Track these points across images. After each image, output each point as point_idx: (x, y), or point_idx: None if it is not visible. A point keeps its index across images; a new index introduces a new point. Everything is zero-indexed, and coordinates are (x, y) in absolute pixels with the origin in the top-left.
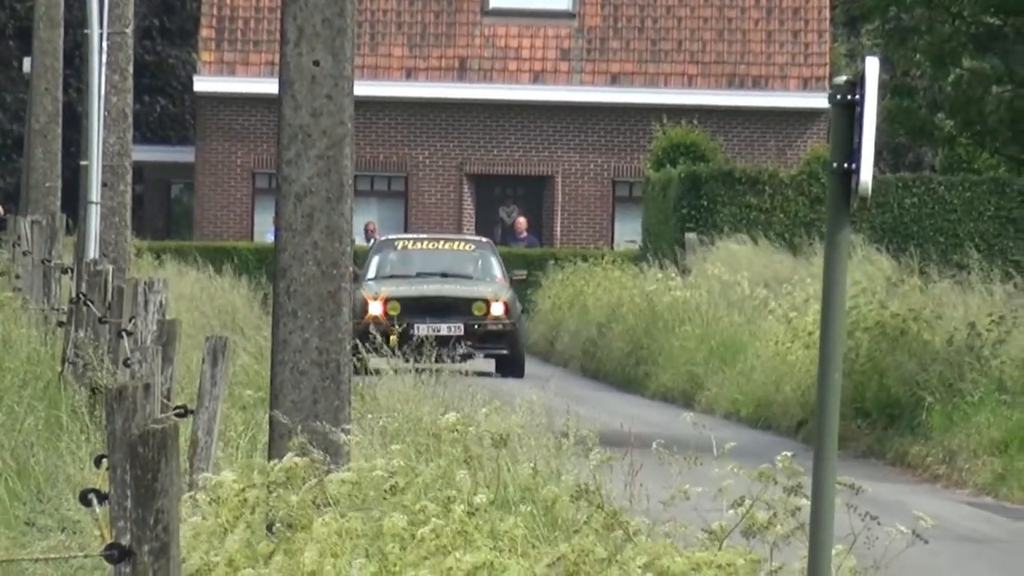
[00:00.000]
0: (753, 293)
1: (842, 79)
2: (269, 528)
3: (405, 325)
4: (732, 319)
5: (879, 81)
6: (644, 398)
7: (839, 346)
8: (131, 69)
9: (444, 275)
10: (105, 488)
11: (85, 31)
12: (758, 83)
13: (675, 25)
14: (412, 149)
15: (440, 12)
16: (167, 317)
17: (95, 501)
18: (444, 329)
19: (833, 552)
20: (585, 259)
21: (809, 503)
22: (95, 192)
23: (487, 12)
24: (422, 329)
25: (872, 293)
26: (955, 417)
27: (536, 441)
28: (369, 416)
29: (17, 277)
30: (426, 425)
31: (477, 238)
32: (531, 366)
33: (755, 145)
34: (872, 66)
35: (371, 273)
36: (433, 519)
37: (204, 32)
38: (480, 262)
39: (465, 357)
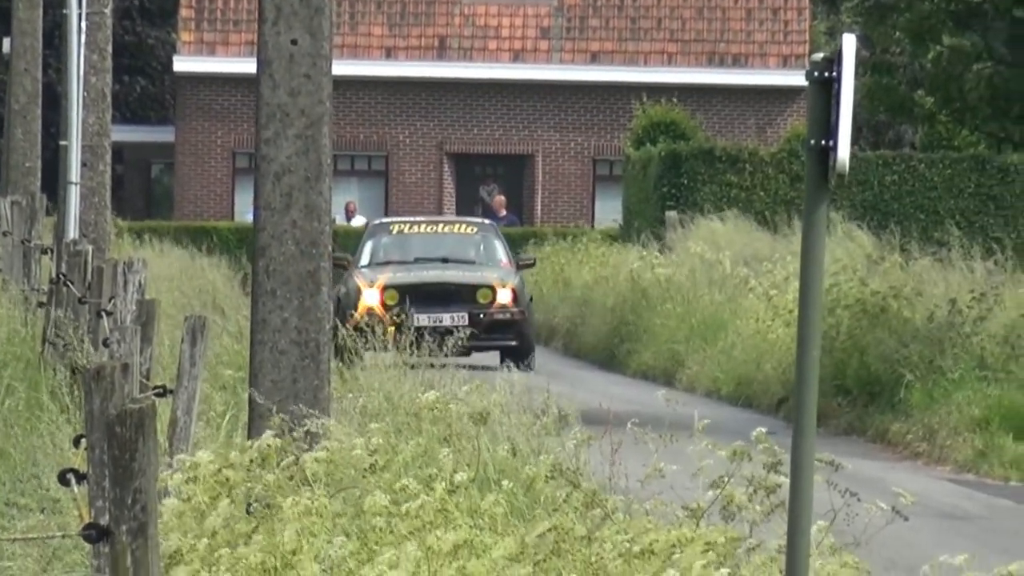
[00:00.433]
0: (734, 271)
1: (819, 56)
2: (247, 508)
3: (404, 315)
4: (713, 297)
5: (859, 59)
6: (625, 376)
7: (817, 324)
8: (110, 49)
9: (445, 260)
10: (84, 468)
11: (64, 11)
12: (738, 61)
13: (654, 3)
14: (392, 128)
15: None
16: (146, 297)
17: (74, 481)
18: (447, 319)
19: (812, 529)
20: (566, 238)
21: (788, 480)
22: (75, 172)
23: None
24: (422, 319)
25: (852, 270)
26: (936, 394)
27: (516, 420)
28: (349, 395)
29: None
30: (406, 404)
31: (480, 220)
32: None
33: (735, 123)
34: (849, 43)
35: (364, 259)
36: (415, 498)
37: (183, 12)
38: (483, 246)
39: (469, 351)
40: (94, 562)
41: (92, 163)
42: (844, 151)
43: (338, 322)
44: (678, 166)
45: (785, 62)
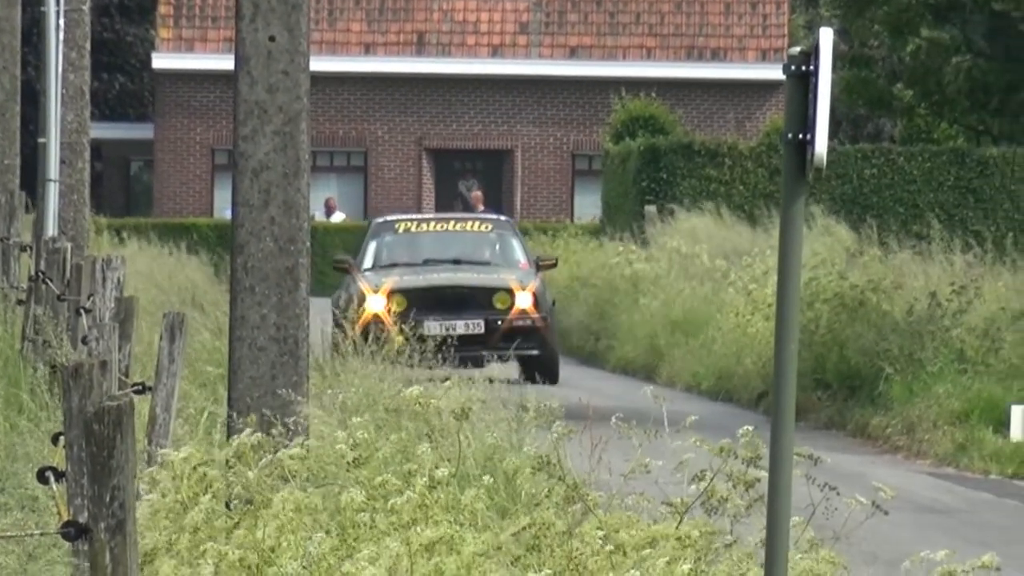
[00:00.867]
0: (713, 265)
1: (796, 50)
2: (227, 504)
3: (413, 323)
4: (692, 291)
5: (837, 52)
6: (605, 371)
7: (795, 318)
8: (88, 46)
9: (457, 262)
10: (63, 466)
11: (42, 8)
12: (717, 55)
13: None
14: (371, 124)
15: None
16: (125, 294)
17: (52, 479)
18: (460, 327)
19: (792, 524)
20: (545, 232)
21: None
22: (53, 170)
23: None
24: (433, 327)
25: (832, 264)
26: (915, 388)
27: (497, 415)
28: (329, 391)
29: None
30: (386, 400)
31: (495, 216)
32: None
33: (714, 117)
34: (826, 36)
35: (368, 261)
36: (396, 493)
37: (162, 9)
38: (499, 245)
39: (483, 360)
40: (73, 560)
41: (71, 160)
42: (821, 145)
43: (338, 332)
44: (657, 160)
45: (764, 56)
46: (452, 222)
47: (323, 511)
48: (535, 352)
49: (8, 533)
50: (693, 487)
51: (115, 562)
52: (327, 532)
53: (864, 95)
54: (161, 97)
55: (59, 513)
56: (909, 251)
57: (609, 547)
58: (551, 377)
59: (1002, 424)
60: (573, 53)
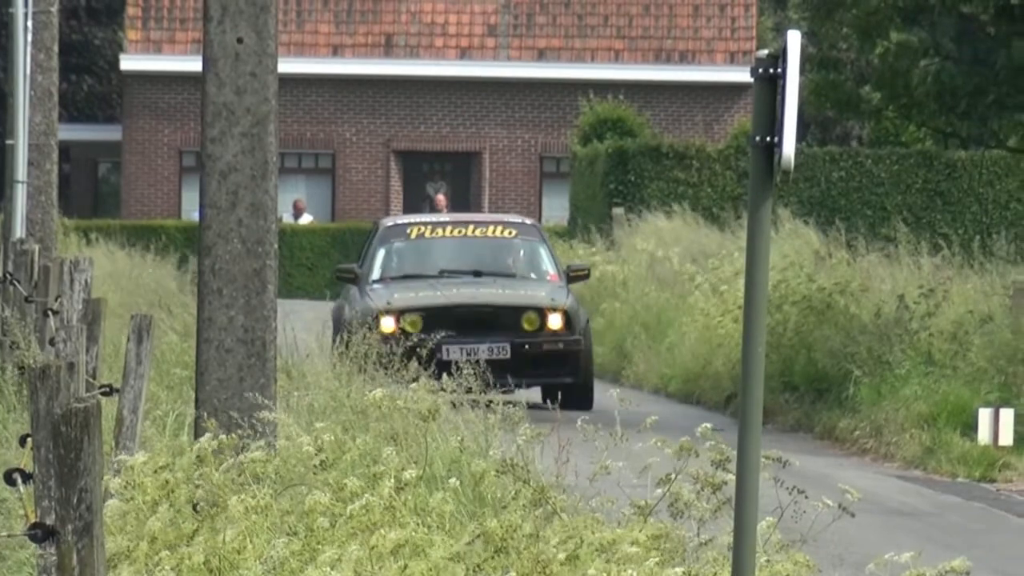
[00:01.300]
0: (681, 268)
1: (764, 53)
2: (193, 507)
3: (431, 346)
4: (660, 294)
5: (805, 55)
6: None
7: (762, 320)
8: (57, 48)
9: (477, 274)
10: (30, 468)
11: (10, 10)
12: (685, 57)
13: (601, 0)
14: (339, 126)
15: None
16: (93, 296)
17: (19, 481)
18: (483, 351)
19: (760, 526)
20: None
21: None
22: (21, 171)
23: None
24: (454, 352)
25: (800, 267)
26: (883, 391)
27: (463, 417)
28: (296, 394)
29: None
30: (353, 402)
31: (519, 219)
32: None
33: (682, 119)
34: (794, 39)
35: (375, 272)
36: (366, 495)
37: (130, 11)
38: (525, 253)
39: (511, 386)
40: (40, 562)
41: (39, 162)
42: (789, 147)
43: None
44: (625, 163)
45: (732, 58)
46: (472, 227)
47: (290, 513)
48: (568, 379)
49: None
50: (660, 490)
51: (82, 564)
52: (293, 535)
53: (832, 98)
54: (129, 99)
55: (26, 515)
56: (877, 254)
57: (572, 550)
58: (585, 404)
59: (970, 427)
60: (541, 55)
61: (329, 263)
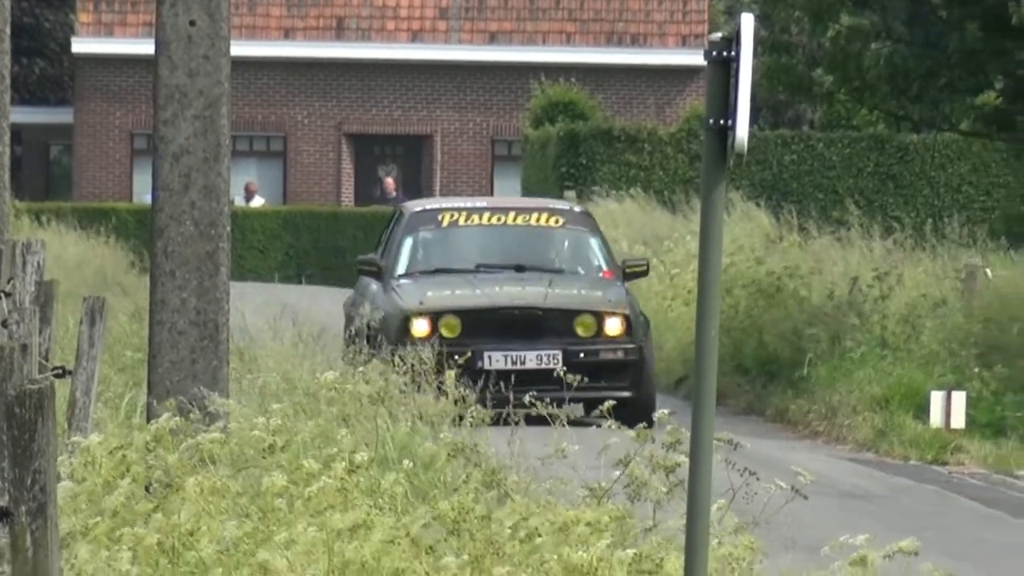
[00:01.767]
0: (632, 251)
1: (717, 36)
2: (147, 488)
3: (469, 353)
4: None
5: (758, 38)
6: None
7: (716, 303)
8: (8, 30)
9: (520, 268)
10: None
11: None
12: (637, 40)
13: None
14: (290, 109)
15: None
16: (45, 278)
17: None
18: (531, 360)
19: (712, 508)
20: None
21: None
22: None
23: None
24: (496, 360)
25: (751, 250)
26: (836, 374)
27: (415, 400)
28: (248, 376)
29: None
30: (305, 384)
31: (567, 206)
32: None
33: (634, 103)
34: (747, 22)
35: (402, 266)
36: (324, 478)
37: None
38: (574, 244)
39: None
40: None
41: None
42: (742, 131)
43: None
44: (577, 146)
45: (684, 41)
46: (512, 214)
47: (243, 495)
48: (627, 393)
49: None
50: (615, 472)
51: (36, 545)
52: (247, 516)
53: (784, 81)
54: (81, 81)
55: None
56: (828, 237)
57: (524, 532)
58: (645, 419)
59: (922, 410)
60: (493, 38)
61: (281, 245)
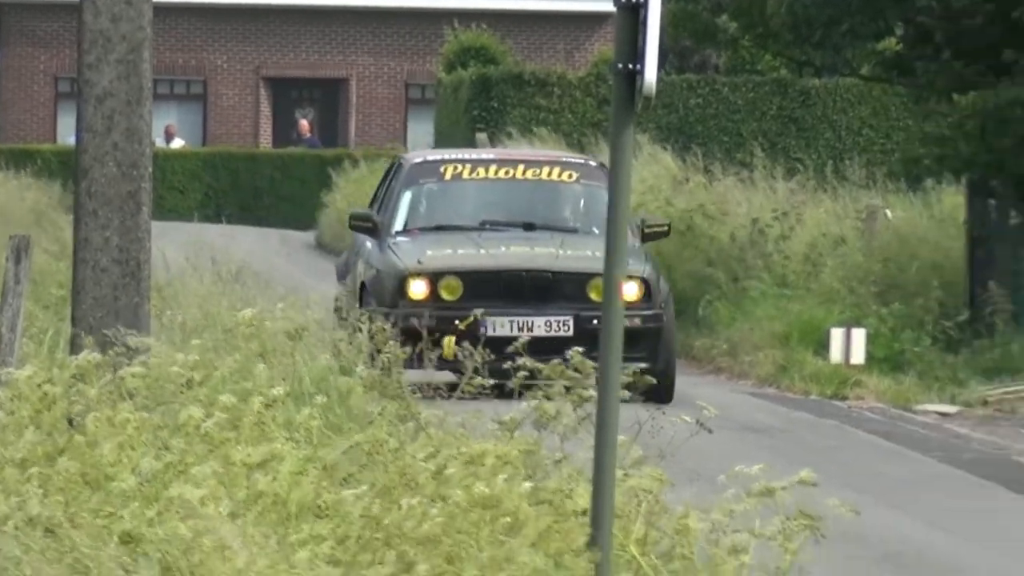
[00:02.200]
0: None
1: None
2: (70, 422)
3: (472, 317)
4: None
5: None
6: None
7: (623, 244)
8: None
9: (529, 227)
10: None
11: None
12: None
13: None
14: (210, 53)
15: None
16: None
17: None
18: (540, 326)
19: (619, 442)
20: (378, 160)
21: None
22: None
23: None
24: (502, 326)
25: (659, 191)
26: (739, 312)
27: (332, 336)
28: (168, 312)
29: None
30: (224, 321)
31: (581, 159)
32: (325, 266)
33: (544, 48)
34: None
35: (399, 221)
36: (230, 411)
37: None
38: (588, 201)
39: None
40: None
41: None
42: (651, 75)
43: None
44: (488, 90)
45: None
46: (522, 167)
47: (163, 428)
48: (644, 364)
49: None
50: (524, 405)
51: None
52: (166, 449)
53: (690, 27)
54: (6, 27)
55: None
56: (733, 178)
57: (434, 464)
58: (663, 398)
59: (822, 346)
60: None
61: (200, 186)
